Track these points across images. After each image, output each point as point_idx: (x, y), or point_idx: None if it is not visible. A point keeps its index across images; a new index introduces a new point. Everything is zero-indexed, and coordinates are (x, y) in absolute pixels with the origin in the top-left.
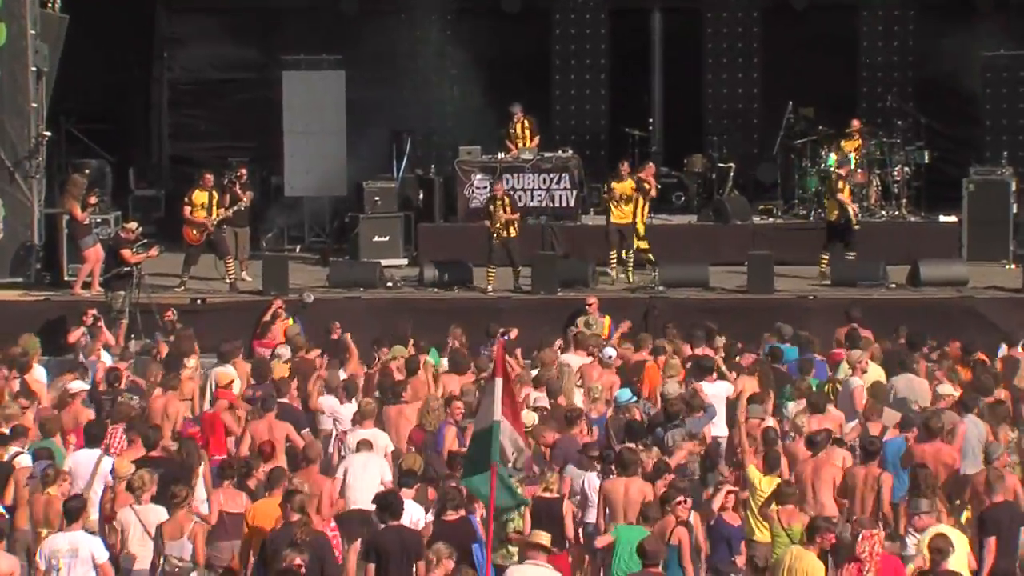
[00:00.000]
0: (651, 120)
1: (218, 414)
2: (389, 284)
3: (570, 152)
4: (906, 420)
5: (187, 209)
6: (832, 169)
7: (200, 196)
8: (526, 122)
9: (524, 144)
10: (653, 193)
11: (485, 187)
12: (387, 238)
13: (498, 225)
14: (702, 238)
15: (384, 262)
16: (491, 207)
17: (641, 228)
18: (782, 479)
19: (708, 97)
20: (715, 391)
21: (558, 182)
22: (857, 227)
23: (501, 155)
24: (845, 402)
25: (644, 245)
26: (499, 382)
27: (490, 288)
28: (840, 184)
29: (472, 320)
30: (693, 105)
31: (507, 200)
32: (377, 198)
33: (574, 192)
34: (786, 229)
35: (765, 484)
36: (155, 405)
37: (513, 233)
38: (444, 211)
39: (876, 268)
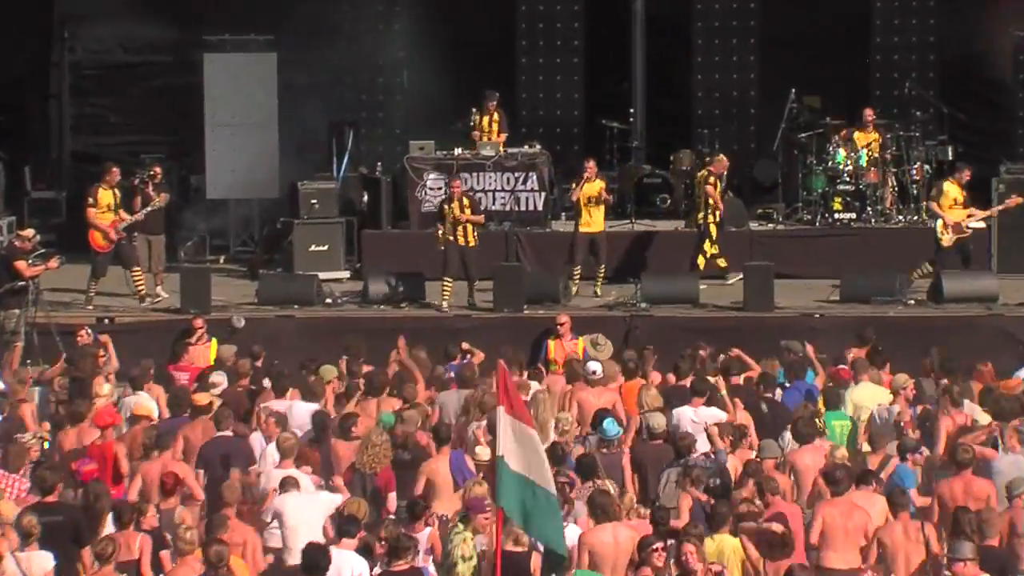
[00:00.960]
0: (632, 111)
1: (110, 445)
2: (328, 301)
3: (538, 148)
4: (905, 444)
5: (91, 211)
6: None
7: (106, 195)
8: (497, 115)
9: (488, 139)
10: (715, 198)
11: (440, 188)
12: (326, 247)
13: (448, 225)
14: (690, 247)
15: (322, 275)
16: (445, 207)
17: (714, 230)
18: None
19: (698, 84)
20: (702, 418)
21: (524, 182)
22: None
23: (459, 151)
24: (881, 436)
25: (714, 250)
26: (500, 412)
27: (445, 305)
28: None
29: (426, 342)
30: (681, 93)
31: (466, 201)
32: (314, 201)
33: (542, 194)
34: (788, 237)
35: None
36: (66, 441)
37: (471, 241)
38: (392, 216)
39: (892, 282)
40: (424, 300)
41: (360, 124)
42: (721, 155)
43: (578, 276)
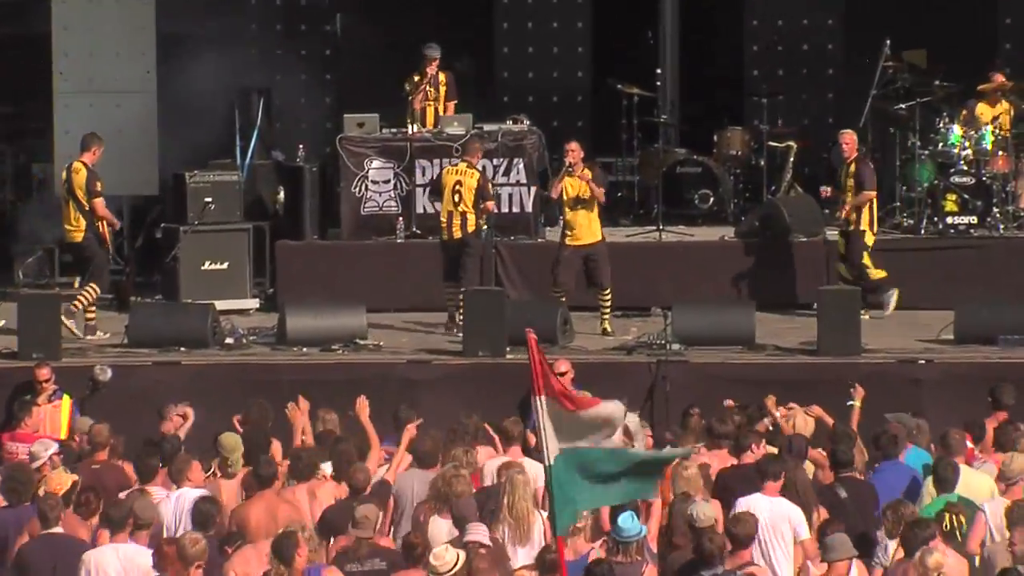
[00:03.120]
0: (659, 71)
1: None
2: (229, 341)
3: (526, 124)
4: None
5: None
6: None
7: None
8: (442, 77)
9: (433, 107)
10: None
11: (387, 181)
12: (225, 265)
13: (460, 210)
14: (742, 264)
15: (221, 304)
16: (455, 181)
17: (869, 238)
18: None
19: (752, 33)
20: (771, 510)
21: (506, 173)
22: None
23: (414, 128)
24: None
25: (869, 264)
26: (541, 402)
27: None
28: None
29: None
30: (727, 47)
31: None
32: (209, 199)
33: (532, 189)
34: (881, 250)
35: None
36: None
37: (470, 226)
38: (319, 220)
39: None
40: (363, 340)
41: (274, 91)
42: None
43: (559, 293)
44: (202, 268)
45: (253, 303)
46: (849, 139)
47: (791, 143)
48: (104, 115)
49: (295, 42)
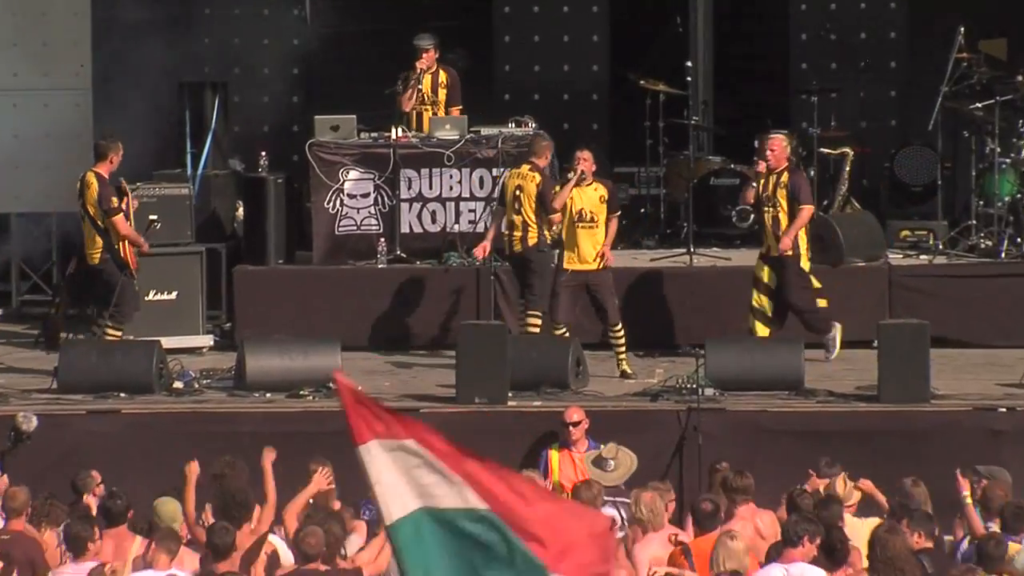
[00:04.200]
0: (689, 65)
1: None
2: (178, 386)
3: (532, 127)
4: None
5: None
6: None
7: None
8: (443, 74)
9: (430, 114)
10: None
11: (366, 195)
12: (174, 295)
13: (521, 220)
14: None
15: (168, 342)
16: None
17: (806, 263)
18: None
19: (799, 19)
20: None
21: None
22: None
23: (399, 131)
24: None
25: (816, 287)
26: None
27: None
28: None
29: (337, 458)
30: (771, 37)
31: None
32: (154, 217)
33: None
34: (953, 277)
35: None
36: None
37: (531, 239)
38: (286, 242)
39: None
40: (330, 386)
41: (232, 87)
42: None
43: (561, 331)
44: (146, 299)
45: (207, 340)
46: (777, 145)
47: (846, 150)
48: (29, 117)
49: (256, 29)
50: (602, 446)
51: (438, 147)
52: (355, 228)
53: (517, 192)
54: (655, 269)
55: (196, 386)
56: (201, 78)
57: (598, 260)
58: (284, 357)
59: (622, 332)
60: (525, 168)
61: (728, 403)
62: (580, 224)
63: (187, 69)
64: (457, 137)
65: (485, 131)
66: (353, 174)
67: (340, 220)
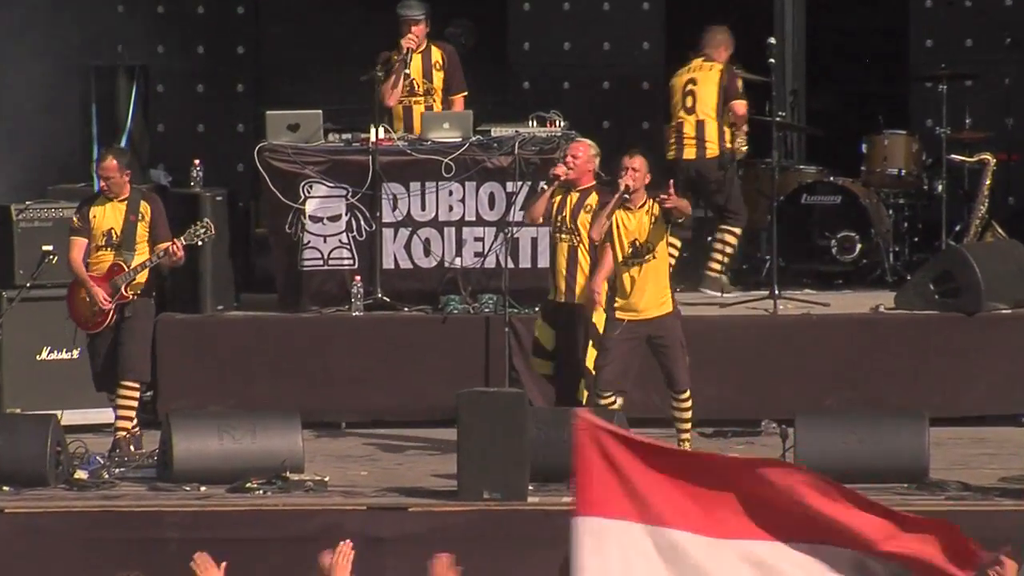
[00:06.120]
0: (772, 42)
1: None
2: (81, 475)
3: (561, 125)
4: None
5: None
6: None
7: None
8: (437, 52)
9: (422, 106)
10: None
11: (336, 217)
12: (75, 354)
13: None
14: (907, 352)
15: (68, 416)
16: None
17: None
18: None
19: None
20: None
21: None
22: None
23: (379, 133)
24: None
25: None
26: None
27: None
28: None
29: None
30: (882, 6)
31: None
32: (50, 248)
33: None
34: None
35: None
36: None
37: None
38: (227, 281)
39: None
40: (299, 474)
41: (154, 73)
42: None
43: (608, 400)
44: (38, 358)
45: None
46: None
47: (986, 156)
48: None
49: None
50: None
51: (433, 153)
52: (321, 263)
53: (690, 86)
54: (727, 318)
55: (106, 476)
56: (113, 61)
57: (661, 305)
58: (224, 437)
59: (690, 403)
60: (699, 61)
61: None
62: (635, 260)
63: (95, 50)
64: (459, 139)
65: (496, 131)
66: (319, 190)
67: (302, 252)
